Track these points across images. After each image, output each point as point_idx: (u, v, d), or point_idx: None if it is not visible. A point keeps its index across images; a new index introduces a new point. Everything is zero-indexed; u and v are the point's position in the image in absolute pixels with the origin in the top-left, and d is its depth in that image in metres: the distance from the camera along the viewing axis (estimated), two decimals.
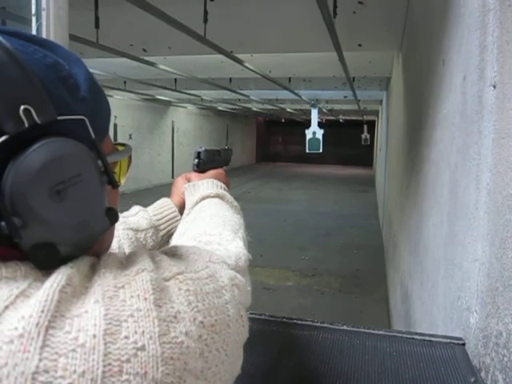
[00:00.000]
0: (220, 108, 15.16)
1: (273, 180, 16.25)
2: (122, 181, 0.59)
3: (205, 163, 1.02)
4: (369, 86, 7.83)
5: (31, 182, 0.40)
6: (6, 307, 0.36)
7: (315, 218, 9.25)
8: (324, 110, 13.13)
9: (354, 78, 6.66)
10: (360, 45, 3.94)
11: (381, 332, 1.10)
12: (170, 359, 0.38)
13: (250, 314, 1.14)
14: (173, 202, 1.00)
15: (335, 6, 3.01)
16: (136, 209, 0.96)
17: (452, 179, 1.30)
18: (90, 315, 0.37)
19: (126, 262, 0.46)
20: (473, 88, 1.08)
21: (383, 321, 4.12)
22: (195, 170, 1.02)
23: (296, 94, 7.85)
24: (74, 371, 0.34)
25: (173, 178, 13.42)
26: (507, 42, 0.84)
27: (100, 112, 0.50)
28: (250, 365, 0.94)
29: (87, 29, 3.25)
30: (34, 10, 1.15)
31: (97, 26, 3.27)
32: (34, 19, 1.15)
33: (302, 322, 1.13)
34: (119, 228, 0.86)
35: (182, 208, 0.95)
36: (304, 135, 7.41)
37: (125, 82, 8.03)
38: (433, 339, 1.06)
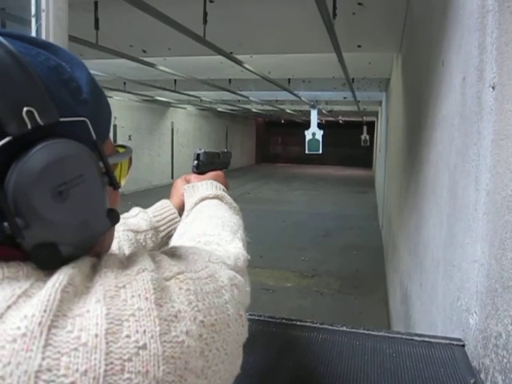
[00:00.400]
0: (219, 109, 15.16)
1: (272, 181, 16.26)
2: (123, 182, 0.60)
3: (204, 165, 1.02)
4: (368, 87, 7.83)
5: (34, 182, 0.40)
6: (9, 307, 0.37)
7: (315, 218, 9.25)
8: (323, 111, 13.14)
9: (353, 79, 6.67)
10: (359, 46, 3.94)
11: (380, 333, 1.10)
12: (171, 358, 0.39)
13: (250, 314, 1.14)
14: (172, 203, 1.01)
15: (335, 7, 3.02)
16: (136, 210, 0.97)
17: (451, 180, 1.30)
18: (91, 314, 0.38)
19: (127, 262, 0.47)
20: (472, 89, 1.08)
21: (383, 322, 4.12)
22: (194, 172, 1.02)
23: (295, 95, 7.85)
24: (77, 370, 0.35)
25: (172, 178, 13.43)
26: (506, 44, 0.84)
27: (101, 114, 0.51)
28: (249, 365, 0.94)
29: (87, 30, 3.26)
30: (33, 11, 1.15)
31: (96, 27, 3.27)
32: (33, 20, 1.15)
33: (302, 323, 1.13)
34: (119, 229, 0.86)
35: (181, 209, 0.96)
36: (303, 136, 7.42)
37: (124, 83, 8.04)
38: (432, 340, 1.06)
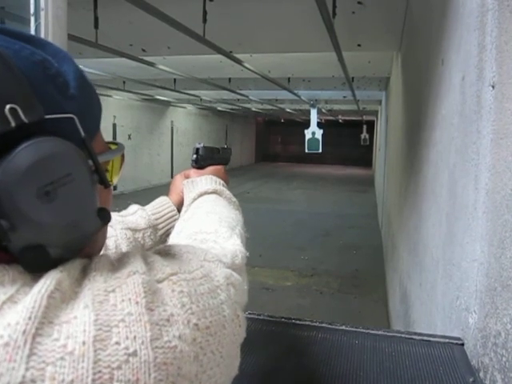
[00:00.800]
0: (219, 108, 15.16)
1: (272, 180, 16.25)
2: (115, 180, 0.57)
3: (203, 159, 1.02)
4: (368, 86, 7.84)
5: (19, 182, 0.38)
6: None
7: (314, 218, 9.25)
8: (323, 110, 13.14)
9: (353, 78, 6.67)
10: (359, 45, 3.94)
11: (380, 332, 1.10)
12: (163, 364, 0.37)
13: (249, 314, 1.14)
14: (171, 200, 0.99)
15: (334, 6, 3.02)
16: (134, 208, 0.95)
17: (451, 179, 1.30)
18: (79, 321, 0.36)
19: (118, 263, 0.45)
20: (472, 88, 1.08)
21: (382, 321, 4.12)
22: (194, 166, 1.02)
23: (295, 94, 7.85)
24: (63, 380, 0.33)
25: (172, 178, 13.43)
26: (506, 43, 0.84)
27: (90, 110, 0.49)
28: (248, 365, 0.93)
29: (86, 29, 3.25)
30: (32, 10, 1.15)
31: (96, 26, 3.26)
32: (32, 19, 1.15)
33: (301, 322, 1.13)
34: (117, 228, 0.85)
35: (180, 206, 0.94)
36: (303, 135, 7.42)
37: (124, 82, 8.03)
38: (431, 339, 1.06)
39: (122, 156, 0.58)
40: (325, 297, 4.96)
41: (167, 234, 0.92)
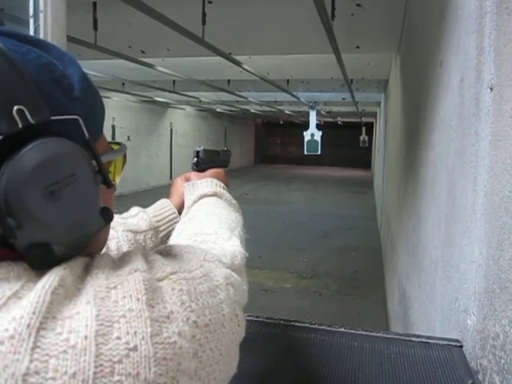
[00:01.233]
0: (218, 110, 15.16)
1: (271, 182, 16.26)
2: (117, 180, 0.59)
3: (204, 162, 1.02)
4: (367, 88, 7.85)
5: (25, 182, 0.40)
6: None
7: (313, 219, 9.25)
8: (322, 112, 13.15)
9: (352, 79, 6.68)
10: (358, 47, 3.95)
11: (378, 334, 1.10)
12: (163, 360, 0.38)
13: (248, 315, 1.14)
14: (172, 202, 1.00)
15: (333, 8, 3.02)
16: (135, 210, 0.96)
17: (449, 181, 1.30)
18: (81, 316, 0.37)
19: (120, 262, 0.46)
20: (470, 90, 1.08)
21: (381, 322, 4.12)
22: (194, 169, 1.02)
23: (294, 95, 7.86)
24: (65, 372, 0.34)
25: (171, 179, 13.41)
26: (504, 45, 0.84)
27: (94, 111, 0.50)
28: (247, 367, 0.93)
29: (85, 30, 3.26)
30: (31, 12, 1.15)
31: (95, 27, 3.27)
32: (31, 21, 1.15)
33: (300, 324, 1.13)
34: (118, 229, 0.86)
35: (181, 208, 0.95)
36: (302, 137, 7.44)
37: (123, 84, 8.04)
38: (430, 341, 1.06)
39: (124, 156, 0.59)
40: (324, 298, 4.96)
41: (168, 236, 0.93)
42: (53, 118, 0.42)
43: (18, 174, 0.40)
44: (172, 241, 0.71)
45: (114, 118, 11.31)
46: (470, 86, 1.08)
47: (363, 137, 15.19)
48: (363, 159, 21.37)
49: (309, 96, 8.86)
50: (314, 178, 17.65)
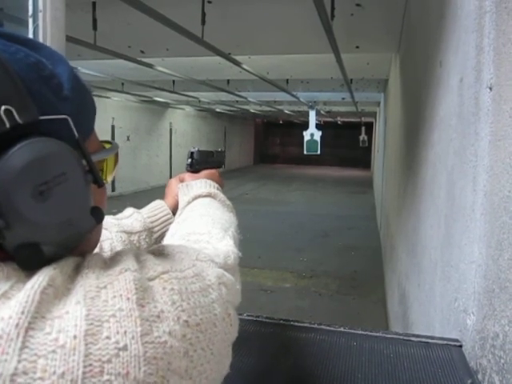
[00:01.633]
0: (218, 110, 15.17)
1: (271, 181, 16.26)
2: (109, 179, 0.58)
3: (198, 163, 1.03)
4: (366, 88, 7.85)
5: (14, 182, 0.39)
6: None
7: (313, 219, 9.25)
8: (322, 112, 13.16)
9: (351, 79, 6.68)
10: (358, 47, 3.95)
11: (378, 334, 1.10)
12: (153, 359, 0.38)
13: (247, 315, 1.14)
14: (166, 203, 1.00)
15: (333, 8, 3.02)
16: (130, 211, 0.96)
17: (449, 181, 1.30)
18: (70, 316, 0.37)
19: (110, 261, 0.46)
20: (469, 90, 1.08)
21: (381, 322, 4.12)
22: (188, 170, 1.03)
23: (294, 95, 7.86)
24: (54, 372, 0.34)
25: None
26: (503, 44, 0.84)
27: (84, 111, 0.50)
28: (246, 366, 0.93)
29: (85, 30, 3.26)
30: (30, 12, 1.15)
31: (94, 27, 3.27)
32: (30, 21, 1.15)
33: (300, 324, 1.13)
34: (112, 230, 0.86)
35: (175, 209, 0.95)
36: (302, 137, 7.42)
37: (122, 84, 8.03)
38: (430, 341, 1.06)
39: (116, 155, 0.59)
40: (323, 298, 4.96)
41: (162, 236, 0.93)
42: (41, 117, 0.42)
43: (6, 174, 0.39)
44: (165, 241, 0.71)
45: (113, 118, 11.30)
46: (470, 85, 1.08)
47: (363, 137, 15.18)
48: (363, 159, 21.36)
49: (308, 96, 8.86)
50: (314, 178, 17.65)
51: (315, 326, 1.12)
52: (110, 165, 0.58)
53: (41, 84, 0.44)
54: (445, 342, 1.06)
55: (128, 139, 12.21)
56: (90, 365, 0.35)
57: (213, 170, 1.03)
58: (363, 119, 17.13)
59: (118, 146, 0.58)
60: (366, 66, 5.81)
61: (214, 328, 0.46)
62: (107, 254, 0.78)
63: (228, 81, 7.58)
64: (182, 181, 1.00)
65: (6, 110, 0.39)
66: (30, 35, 1.16)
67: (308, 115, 7.60)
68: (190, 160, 1.03)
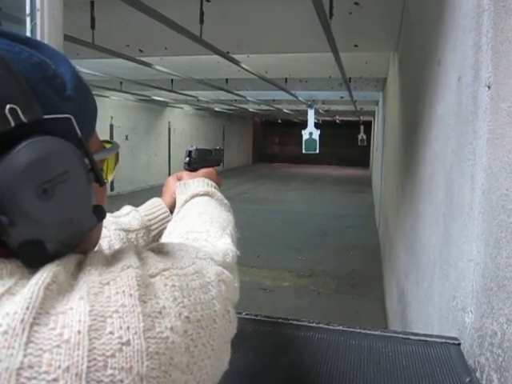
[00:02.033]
0: (216, 109, 15.15)
1: (269, 181, 16.25)
2: (110, 178, 0.60)
3: (196, 162, 1.03)
4: (365, 87, 7.85)
5: (18, 180, 0.40)
6: None
7: (312, 218, 9.25)
8: (320, 111, 13.16)
9: (350, 78, 6.68)
10: (356, 45, 3.95)
11: (376, 332, 1.10)
12: (156, 354, 0.39)
13: (246, 314, 1.14)
14: (164, 201, 1.01)
15: (331, 7, 3.02)
16: (127, 209, 0.96)
17: (447, 179, 1.31)
18: (74, 312, 0.37)
19: (112, 259, 0.46)
20: (468, 88, 1.08)
21: (380, 321, 4.13)
22: (186, 169, 1.03)
23: (292, 94, 7.86)
24: (59, 366, 0.35)
25: None
26: (501, 43, 0.84)
27: (86, 110, 0.51)
28: (245, 365, 0.93)
29: (83, 29, 3.25)
30: (28, 11, 1.15)
31: (92, 26, 3.26)
32: (28, 20, 1.15)
33: (298, 323, 1.13)
34: (110, 228, 0.86)
35: (173, 208, 0.95)
36: (300, 136, 7.41)
37: (121, 83, 8.03)
38: (428, 339, 1.07)
39: (117, 155, 0.60)
40: (322, 297, 4.97)
41: (160, 234, 0.94)
42: (45, 116, 0.43)
43: (10, 172, 0.40)
44: (164, 239, 0.72)
45: (111, 117, 11.28)
46: (468, 84, 1.08)
47: (361, 135, 15.18)
48: (361, 158, 21.37)
49: (307, 95, 8.85)
50: (313, 177, 17.65)
51: (314, 324, 1.12)
52: (111, 164, 0.59)
53: (44, 84, 0.44)
54: (443, 340, 1.06)
55: (126, 138, 12.19)
56: (94, 359, 0.36)
57: (210, 169, 1.03)
58: (362, 118, 17.13)
59: (119, 146, 0.59)
60: (365, 64, 5.81)
61: (214, 324, 0.47)
62: (105, 251, 0.78)
63: (227, 80, 7.58)
64: (179, 179, 1.01)
65: (10, 108, 0.40)
66: (28, 34, 1.15)
67: (307, 114, 7.59)
68: (187, 159, 1.03)
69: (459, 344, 1.04)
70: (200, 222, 0.72)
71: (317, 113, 11.00)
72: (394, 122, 4.46)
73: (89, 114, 0.51)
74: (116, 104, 11.39)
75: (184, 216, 0.78)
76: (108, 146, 0.58)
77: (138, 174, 12.51)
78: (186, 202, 0.87)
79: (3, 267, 0.41)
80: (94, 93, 0.53)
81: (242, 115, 20.15)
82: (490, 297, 0.85)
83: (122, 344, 0.37)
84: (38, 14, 1.14)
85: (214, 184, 0.95)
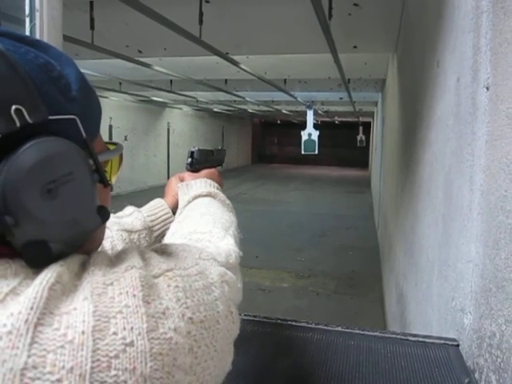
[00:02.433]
0: (215, 109, 15.15)
1: (268, 181, 16.25)
2: (113, 179, 0.60)
3: (198, 162, 1.03)
4: (364, 88, 7.85)
5: (23, 180, 0.40)
6: None
7: (311, 219, 9.25)
8: (320, 112, 13.15)
9: (349, 79, 6.68)
10: (355, 46, 3.95)
11: (375, 333, 1.10)
12: (159, 355, 0.39)
13: (245, 315, 1.14)
14: (166, 202, 1.01)
15: (330, 8, 3.02)
16: (130, 209, 0.96)
17: (446, 180, 1.31)
18: (78, 312, 0.38)
19: (116, 259, 0.46)
20: (466, 90, 1.08)
21: (379, 322, 4.13)
22: (188, 170, 1.03)
23: (291, 95, 7.86)
24: (63, 367, 0.35)
25: (169, 179, 13.42)
26: (500, 44, 0.84)
27: (91, 111, 0.51)
28: (245, 366, 0.93)
29: (82, 30, 3.25)
30: (27, 11, 1.15)
31: (92, 27, 3.26)
32: (27, 20, 1.15)
33: (297, 324, 1.13)
34: (113, 229, 0.86)
35: (175, 208, 0.95)
36: (299, 137, 7.41)
37: (120, 84, 8.02)
38: (427, 340, 1.07)
39: (121, 156, 0.60)
40: (321, 298, 4.97)
41: (162, 235, 0.94)
42: (50, 117, 0.43)
43: (15, 173, 0.40)
44: (166, 240, 0.72)
45: (111, 118, 11.28)
46: (467, 85, 1.08)
47: (360, 136, 15.19)
48: (360, 159, 21.37)
49: (306, 96, 8.86)
50: (312, 178, 17.65)
51: (313, 325, 1.12)
52: (115, 165, 0.59)
53: (50, 85, 0.45)
54: (442, 342, 1.06)
55: (126, 139, 12.19)
56: (98, 360, 0.36)
57: (212, 170, 1.03)
58: (361, 119, 17.14)
59: (123, 148, 0.59)
60: (364, 65, 5.81)
61: (217, 325, 0.47)
62: (108, 252, 0.79)
63: (226, 80, 7.57)
64: (181, 180, 1.01)
65: (16, 109, 0.40)
66: (25, 34, 1.15)
67: (306, 115, 7.60)
68: (190, 159, 1.03)
69: (458, 345, 1.04)
70: (203, 223, 0.72)
71: (316, 114, 10.99)
72: (393, 122, 4.47)
73: (93, 115, 0.52)
74: (115, 104, 11.39)
75: (187, 217, 0.78)
76: (112, 147, 0.58)
77: (137, 174, 12.50)
78: (189, 202, 0.87)
79: (8, 267, 0.41)
80: (97, 94, 0.53)
81: (241, 116, 20.16)
82: (489, 298, 0.85)
83: (126, 345, 0.37)
84: (38, 15, 1.14)
85: (216, 185, 0.95)
